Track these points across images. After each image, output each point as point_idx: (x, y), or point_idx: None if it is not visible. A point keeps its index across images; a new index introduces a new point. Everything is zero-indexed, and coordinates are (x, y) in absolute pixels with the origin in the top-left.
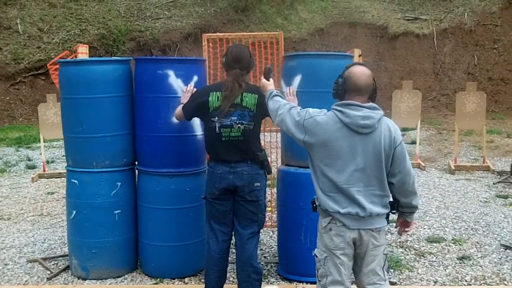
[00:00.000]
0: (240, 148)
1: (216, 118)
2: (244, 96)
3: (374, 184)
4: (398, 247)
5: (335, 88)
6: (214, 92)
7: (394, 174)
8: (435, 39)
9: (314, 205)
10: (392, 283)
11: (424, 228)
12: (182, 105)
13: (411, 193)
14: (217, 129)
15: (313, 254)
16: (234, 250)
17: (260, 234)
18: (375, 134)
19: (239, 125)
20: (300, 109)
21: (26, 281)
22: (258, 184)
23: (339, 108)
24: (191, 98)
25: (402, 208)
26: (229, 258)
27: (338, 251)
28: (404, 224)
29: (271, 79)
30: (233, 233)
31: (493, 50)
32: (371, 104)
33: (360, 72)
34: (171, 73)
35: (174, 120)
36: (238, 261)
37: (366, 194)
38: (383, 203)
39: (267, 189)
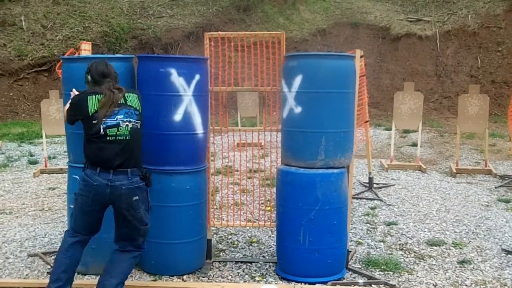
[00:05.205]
0: (125, 151)
1: (97, 121)
2: (127, 96)
3: None
4: (398, 249)
5: None
6: (93, 96)
7: None
8: (437, 41)
9: None
10: (391, 286)
11: (424, 231)
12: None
13: None
14: (101, 131)
15: None
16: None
17: (259, 233)
18: None
19: (127, 123)
20: None
21: (26, 275)
22: (137, 197)
23: None
24: (70, 102)
25: None
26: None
27: None
28: None
29: None
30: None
31: (496, 53)
32: None
33: None
34: (173, 71)
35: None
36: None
37: None
38: None
39: (266, 188)
